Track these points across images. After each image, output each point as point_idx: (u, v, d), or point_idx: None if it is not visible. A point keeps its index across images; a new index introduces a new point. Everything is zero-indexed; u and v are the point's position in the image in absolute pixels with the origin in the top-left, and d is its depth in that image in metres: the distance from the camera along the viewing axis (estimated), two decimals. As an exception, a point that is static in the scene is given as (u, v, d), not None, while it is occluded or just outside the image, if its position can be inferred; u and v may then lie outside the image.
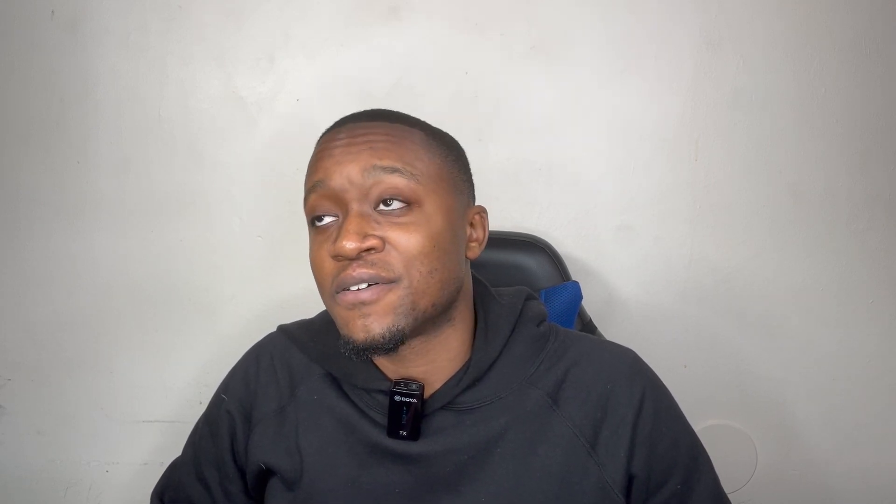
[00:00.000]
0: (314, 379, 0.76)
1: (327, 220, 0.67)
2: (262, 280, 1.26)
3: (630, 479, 0.70)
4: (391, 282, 0.64)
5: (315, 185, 0.66)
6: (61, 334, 1.29)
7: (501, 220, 1.22)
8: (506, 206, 1.23)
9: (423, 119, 0.74)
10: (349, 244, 0.62)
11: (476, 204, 0.76)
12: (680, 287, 1.25)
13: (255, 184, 1.23)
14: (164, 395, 1.30)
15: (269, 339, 0.83)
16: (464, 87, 1.20)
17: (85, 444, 1.33)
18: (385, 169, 0.64)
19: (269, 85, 1.21)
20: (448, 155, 0.71)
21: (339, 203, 0.65)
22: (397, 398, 0.69)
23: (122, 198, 1.24)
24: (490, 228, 0.76)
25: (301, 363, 0.78)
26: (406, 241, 0.64)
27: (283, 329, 0.82)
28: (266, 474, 0.77)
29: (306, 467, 0.73)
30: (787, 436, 1.30)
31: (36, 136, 1.23)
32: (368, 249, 0.63)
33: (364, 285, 0.63)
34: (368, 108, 0.74)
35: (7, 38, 1.20)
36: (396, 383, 0.70)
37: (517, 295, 0.78)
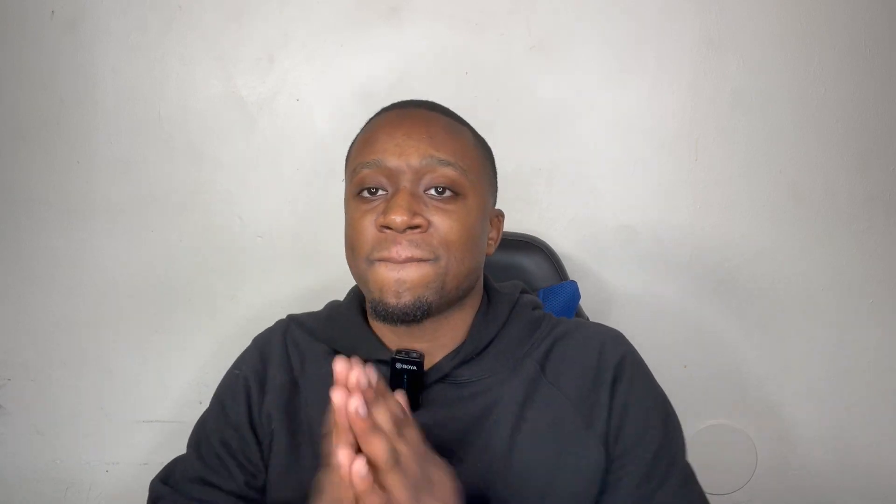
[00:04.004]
0: (320, 355, 0.79)
1: (373, 193, 0.71)
2: (262, 280, 1.26)
3: (608, 441, 0.72)
4: (429, 261, 0.69)
5: (372, 161, 0.71)
6: (61, 334, 1.29)
7: (501, 220, 1.22)
8: (505, 205, 1.21)
9: None
10: (398, 217, 0.66)
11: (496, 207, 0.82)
12: (680, 287, 1.25)
13: (255, 184, 1.23)
14: (164, 395, 1.30)
15: (279, 324, 0.86)
16: (464, 87, 1.20)
17: (85, 444, 1.33)
18: (441, 161, 0.70)
19: (269, 85, 1.21)
20: (488, 158, 0.79)
21: (392, 180, 0.70)
22: (398, 366, 0.72)
23: (122, 197, 1.24)
24: None
25: (309, 343, 0.81)
26: (449, 226, 0.69)
27: (291, 316, 0.86)
28: (272, 439, 0.78)
29: (308, 435, 0.75)
30: (787, 436, 1.30)
31: (36, 136, 1.22)
32: (415, 227, 0.68)
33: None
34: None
35: (7, 38, 1.20)
36: (398, 352, 0.74)
37: (513, 287, 0.84)
